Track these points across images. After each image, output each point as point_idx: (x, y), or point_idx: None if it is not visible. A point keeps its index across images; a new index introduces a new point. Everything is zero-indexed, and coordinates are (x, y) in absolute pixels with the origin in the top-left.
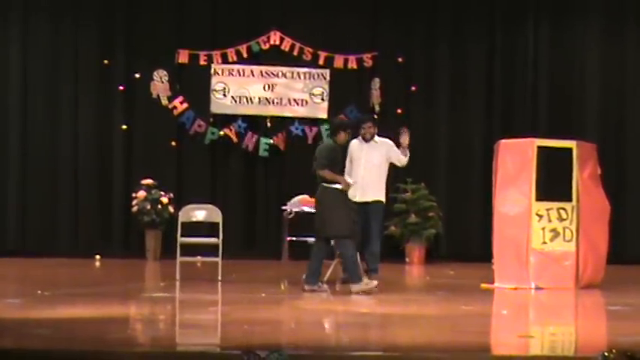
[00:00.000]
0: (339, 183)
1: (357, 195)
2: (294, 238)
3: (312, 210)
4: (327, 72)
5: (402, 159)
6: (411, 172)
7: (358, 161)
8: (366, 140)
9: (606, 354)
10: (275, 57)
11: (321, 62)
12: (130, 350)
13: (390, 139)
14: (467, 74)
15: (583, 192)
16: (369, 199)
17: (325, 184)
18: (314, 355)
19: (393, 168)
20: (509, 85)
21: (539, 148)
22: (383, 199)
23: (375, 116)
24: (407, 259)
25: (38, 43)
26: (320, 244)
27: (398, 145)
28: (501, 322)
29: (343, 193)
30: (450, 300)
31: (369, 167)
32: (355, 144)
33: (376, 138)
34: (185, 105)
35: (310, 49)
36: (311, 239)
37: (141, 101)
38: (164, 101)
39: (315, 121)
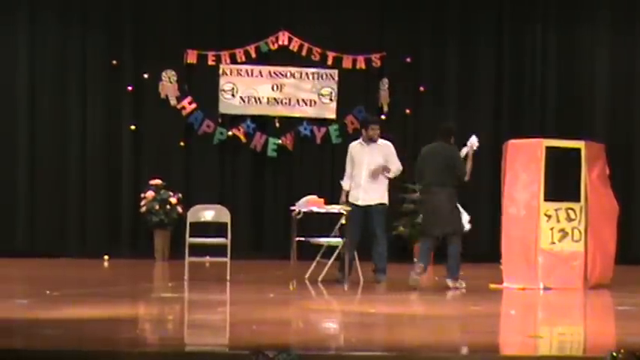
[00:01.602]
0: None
1: (359, 198)
2: (302, 239)
3: (321, 210)
4: (335, 72)
5: (394, 169)
6: None
7: (361, 163)
8: (372, 141)
9: (615, 354)
10: (283, 57)
11: (329, 62)
12: (139, 350)
13: (389, 140)
14: (475, 74)
15: (592, 192)
16: (373, 202)
17: (440, 187)
18: (322, 355)
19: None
20: (518, 86)
21: (548, 148)
22: (386, 201)
23: (383, 117)
24: (415, 260)
25: (46, 44)
26: (433, 242)
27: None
28: (510, 322)
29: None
30: (458, 300)
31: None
32: (357, 145)
33: (379, 140)
34: (193, 105)
35: (319, 50)
36: (321, 239)
37: (149, 102)
38: (173, 101)
39: (323, 122)
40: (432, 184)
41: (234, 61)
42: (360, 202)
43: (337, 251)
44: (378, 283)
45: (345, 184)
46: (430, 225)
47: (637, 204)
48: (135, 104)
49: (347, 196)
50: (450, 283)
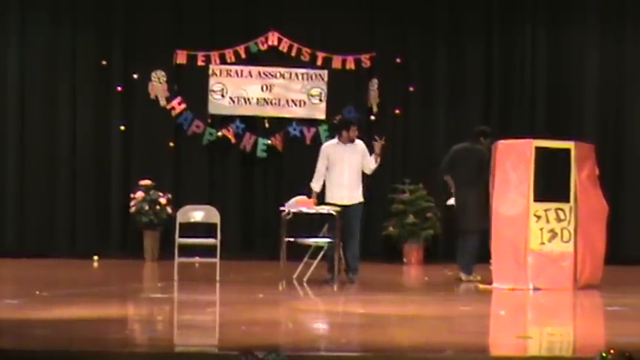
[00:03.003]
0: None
1: (345, 197)
2: (292, 239)
3: (310, 211)
4: (325, 73)
5: (370, 166)
6: (409, 172)
7: (341, 163)
8: (351, 142)
9: (604, 354)
10: (273, 58)
11: (319, 63)
12: (128, 351)
13: (371, 140)
14: (465, 75)
15: (581, 193)
16: (357, 200)
17: (470, 186)
18: (312, 356)
19: (390, 168)
20: (507, 86)
21: (538, 148)
22: (362, 198)
23: (373, 117)
24: (405, 260)
25: (36, 44)
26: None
27: (372, 150)
28: (499, 322)
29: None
30: (448, 301)
31: (353, 169)
32: (332, 146)
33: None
34: (183, 106)
35: (308, 50)
36: (308, 240)
37: (139, 102)
38: (162, 102)
39: (313, 122)
40: (462, 183)
41: (223, 61)
42: (345, 202)
43: (323, 252)
44: (352, 283)
45: (316, 185)
46: (460, 221)
47: (626, 204)
48: (124, 104)
49: (317, 196)
50: (463, 277)
